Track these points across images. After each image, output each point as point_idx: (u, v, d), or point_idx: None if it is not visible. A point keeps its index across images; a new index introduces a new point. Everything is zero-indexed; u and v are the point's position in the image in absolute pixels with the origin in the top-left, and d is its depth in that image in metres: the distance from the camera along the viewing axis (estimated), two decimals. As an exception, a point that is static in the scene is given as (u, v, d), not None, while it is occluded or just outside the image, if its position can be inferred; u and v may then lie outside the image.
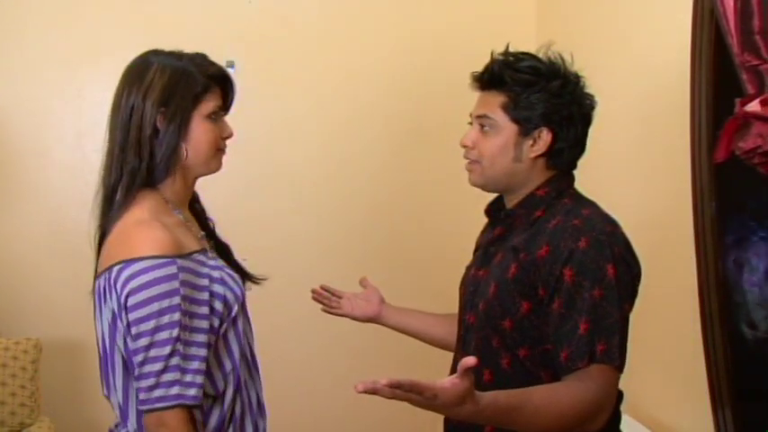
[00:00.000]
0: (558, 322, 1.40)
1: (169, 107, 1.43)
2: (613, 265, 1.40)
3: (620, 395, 1.50)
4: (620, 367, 1.40)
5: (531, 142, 1.51)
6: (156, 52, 1.49)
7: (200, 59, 1.49)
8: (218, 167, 1.54)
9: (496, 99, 1.52)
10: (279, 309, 2.63)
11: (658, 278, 2.10)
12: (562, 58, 1.53)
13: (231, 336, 1.47)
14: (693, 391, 1.91)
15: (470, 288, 1.62)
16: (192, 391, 1.35)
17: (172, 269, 1.34)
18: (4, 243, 2.81)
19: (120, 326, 1.37)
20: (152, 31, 2.81)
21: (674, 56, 1.95)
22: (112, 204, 1.44)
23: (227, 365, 1.45)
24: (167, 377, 1.33)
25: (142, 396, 1.34)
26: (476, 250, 1.72)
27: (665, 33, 2.09)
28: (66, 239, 2.78)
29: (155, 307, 1.32)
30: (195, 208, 1.60)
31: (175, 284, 1.34)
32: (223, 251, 1.60)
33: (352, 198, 3.02)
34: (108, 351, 1.41)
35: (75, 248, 2.85)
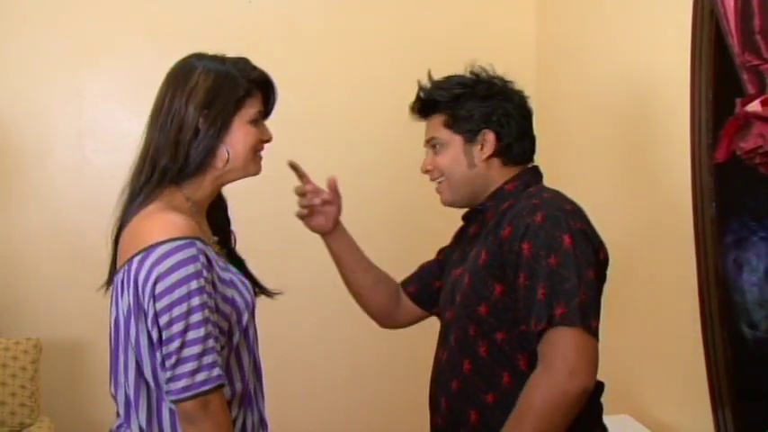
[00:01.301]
0: (525, 294, 1.45)
1: (211, 110, 1.43)
2: (570, 236, 1.45)
3: (600, 386, 1.52)
4: (588, 329, 1.40)
5: (478, 147, 1.62)
6: (198, 56, 1.49)
7: (242, 64, 1.50)
8: (256, 171, 1.53)
9: (438, 120, 1.66)
10: (277, 310, 2.62)
11: (658, 278, 2.11)
12: (483, 69, 1.66)
13: (242, 347, 1.46)
14: (693, 391, 1.91)
15: (448, 287, 1.69)
16: (223, 371, 1.35)
17: (192, 251, 1.33)
18: (5, 243, 2.81)
19: (134, 321, 1.35)
20: (152, 31, 2.82)
21: (674, 56, 1.95)
22: (136, 201, 1.44)
23: (237, 377, 1.44)
24: (208, 359, 1.32)
25: (183, 383, 1.31)
26: (451, 254, 1.77)
27: (665, 33, 2.09)
28: (66, 239, 2.78)
29: (184, 290, 1.31)
30: (217, 216, 1.59)
31: (198, 266, 1.33)
32: (236, 263, 1.59)
33: (352, 198, 3.01)
34: (120, 347, 1.40)
35: (75, 248, 2.87)
